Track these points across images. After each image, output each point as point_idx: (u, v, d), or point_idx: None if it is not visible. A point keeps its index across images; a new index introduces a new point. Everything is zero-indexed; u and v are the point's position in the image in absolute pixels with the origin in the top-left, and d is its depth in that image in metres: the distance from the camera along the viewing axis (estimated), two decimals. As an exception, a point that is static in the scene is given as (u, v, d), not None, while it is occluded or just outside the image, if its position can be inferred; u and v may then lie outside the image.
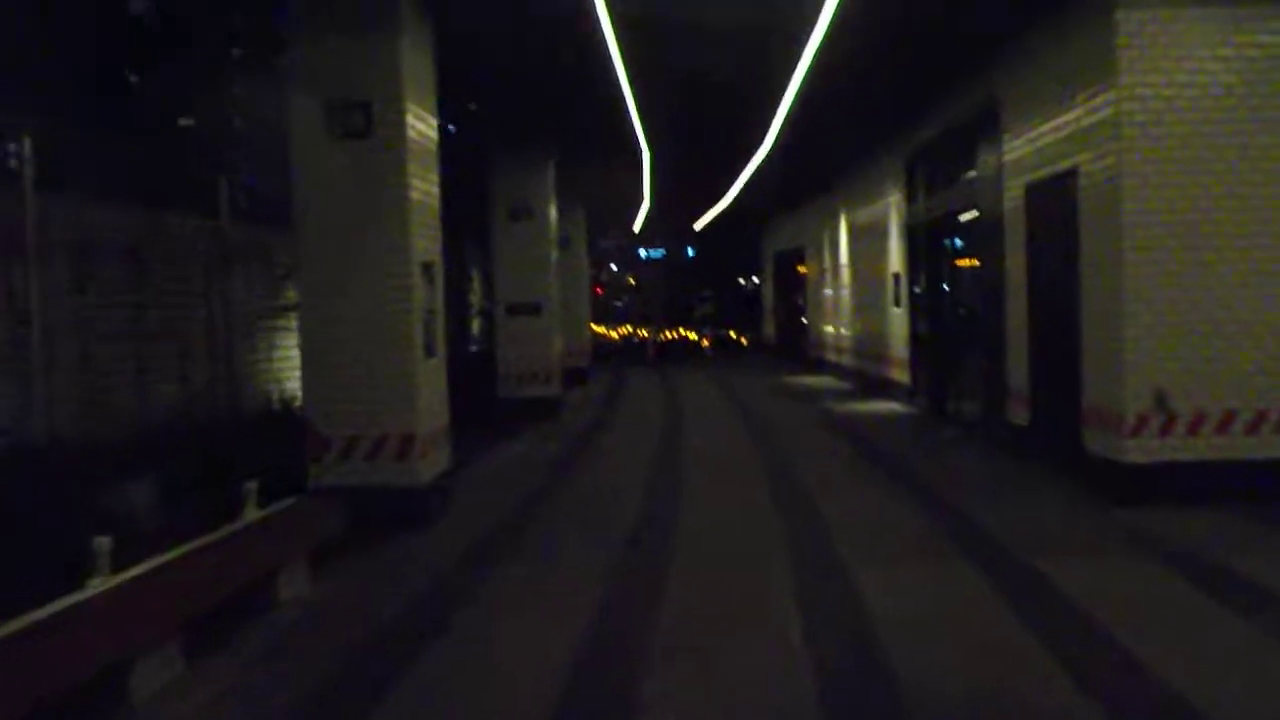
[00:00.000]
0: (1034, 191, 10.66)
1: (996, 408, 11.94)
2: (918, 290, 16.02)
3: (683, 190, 24.37)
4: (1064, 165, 9.72)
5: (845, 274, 21.89)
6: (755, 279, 40.61)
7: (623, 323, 49.40)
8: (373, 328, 8.46)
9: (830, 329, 24.08)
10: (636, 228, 33.92)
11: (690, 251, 49.36)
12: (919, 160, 15.78)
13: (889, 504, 9.22)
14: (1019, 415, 11.19)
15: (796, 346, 29.15)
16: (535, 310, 16.72)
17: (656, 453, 12.73)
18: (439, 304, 9.26)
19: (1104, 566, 6.95)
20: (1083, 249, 9.32)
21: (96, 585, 5.04)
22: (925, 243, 15.55)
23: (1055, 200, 10.06)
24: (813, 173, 21.54)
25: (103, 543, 5.06)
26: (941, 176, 14.75)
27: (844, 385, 21.54)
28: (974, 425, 13.16)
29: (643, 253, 53.07)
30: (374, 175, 8.42)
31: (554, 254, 17.35)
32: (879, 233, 18.18)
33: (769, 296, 35.10)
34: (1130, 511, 8.29)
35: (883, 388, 18.20)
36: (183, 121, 9.22)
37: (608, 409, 18.50)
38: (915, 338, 16.18)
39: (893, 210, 17.27)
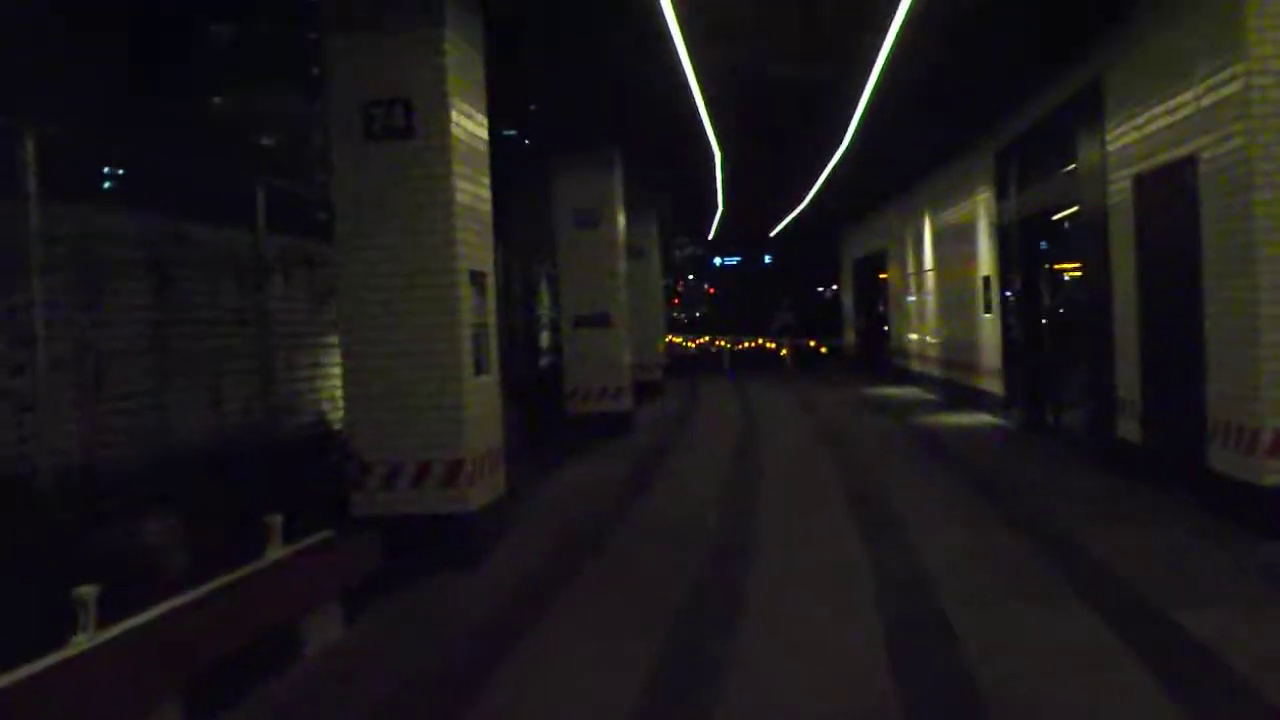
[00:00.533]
0: (1144, 183, 9.64)
1: (1103, 421, 10.88)
2: (1010, 295, 14.96)
3: (757, 195, 23.53)
4: (1180, 152, 8.70)
5: (930, 279, 20.83)
6: (834, 286, 39.48)
7: (700, 333, 48.73)
8: (417, 343, 7.80)
9: (914, 337, 23.01)
10: (710, 235, 33.16)
11: (766, 258, 48.46)
12: (1010, 155, 14.73)
13: (990, 533, 8.27)
14: (1130, 429, 10.14)
15: (878, 355, 28.06)
16: (603, 322, 16.00)
17: (731, 476, 11.89)
18: (491, 316, 8.59)
19: (1248, 613, 5.94)
20: (1205, 245, 8.28)
21: (82, 642, 4.42)
22: (1019, 243, 14.48)
23: (1170, 191, 9.05)
24: (893, 172, 20.55)
25: (86, 593, 4.43)
26: (1036, 171, 13.70)
27: (930, 396, 20.46)
28: (1077, 440, 12.11)
29: (717, 260, 52.32)
30: (417, 178, 7.78)
31: (623, 263, 16.63)
32: (966, 234, 17.13)
33: (849, 304, 34.00)
34: (1269, 543, 7.25)
35: (973, 399, 17.14)
36: (265, 141, 8.69)
37: (681, 425, 17.71)
38: (1009, 345, 15.11)
39: (981, 209, 16.23)
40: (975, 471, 11.29)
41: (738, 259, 50.45)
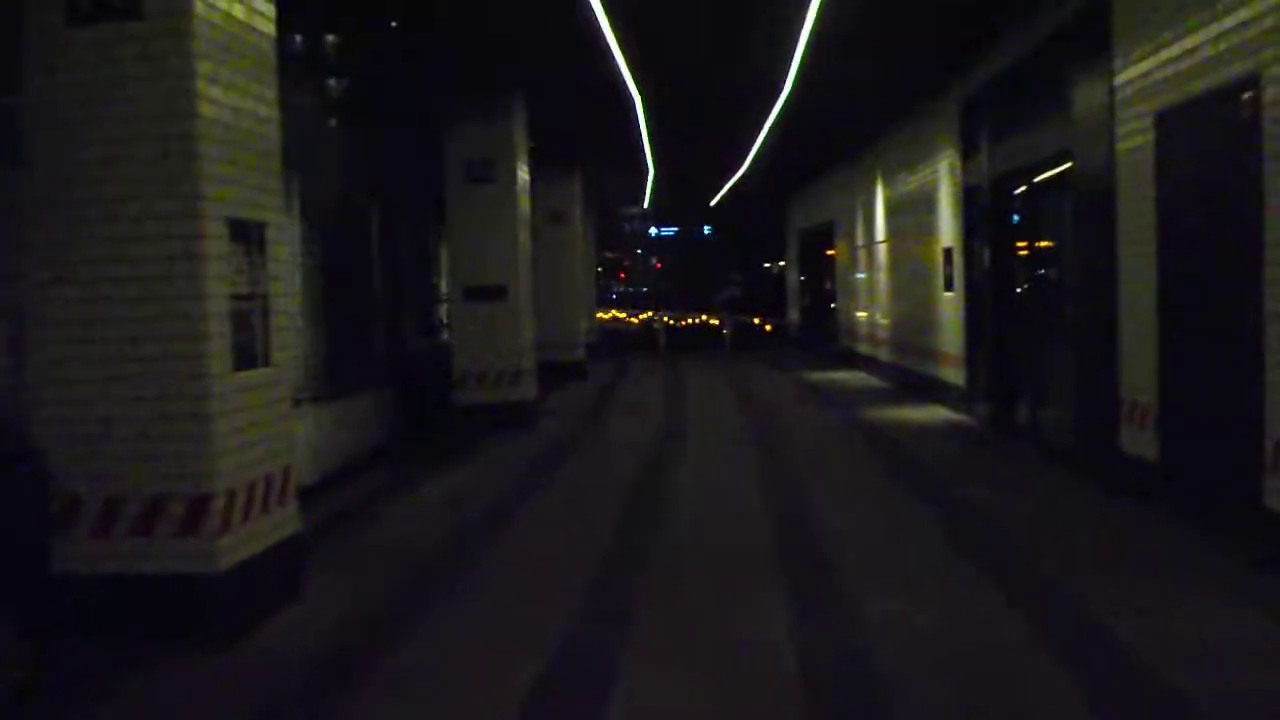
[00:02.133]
0: (1170, 122, 7.34)
1: (1100, 427, 8.64)
2: (978, 269, 12.70)
3: (691, 156, 21.11)
4: (1228, 74, 6.43)
5: (882, 252, 18.57)
6: (782, 261, 37.21)
7: (644, 308, 46.79)
8: (141, 322, 5.31)
9: (863, 316, 20.78)
10: (645, 203, 30.74)
11: (706, 229, 46.15)
12: (981, 104, 12.43)
13: (961, 590, 5.98)
14: (1140, 442, 7.90)
15: (824, 336, 25.81)
16: (499, 295, 13.50)
17: (636, 494, 9.37)
18: (277, 285, 6.08)
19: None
20: (1270, 199, 6.01)
21: None
22: (990, 209, 12.18)
23: (1210, 130, 6.79)
24: (842, 131, 18.23)
25: None
26: (1014, 121, 11.37)
27: (880, 383, 18.24)
28: (1060, 447, 9.87)
29: (653, 231, 49.90)
30: (145, 81, 5.26)
31: (525, 226, 14.13)
32: (926, 201, 14.86)
33: (793, 279, 31.72)
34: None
35: (928, 388, 14.92)
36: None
37: (595, 416, 15.25)
38: (973, 328, 12.87)
39: (944, 172, 13.95)
40: (935, 486, 9.01)
41: (674, 230, 48.02)
